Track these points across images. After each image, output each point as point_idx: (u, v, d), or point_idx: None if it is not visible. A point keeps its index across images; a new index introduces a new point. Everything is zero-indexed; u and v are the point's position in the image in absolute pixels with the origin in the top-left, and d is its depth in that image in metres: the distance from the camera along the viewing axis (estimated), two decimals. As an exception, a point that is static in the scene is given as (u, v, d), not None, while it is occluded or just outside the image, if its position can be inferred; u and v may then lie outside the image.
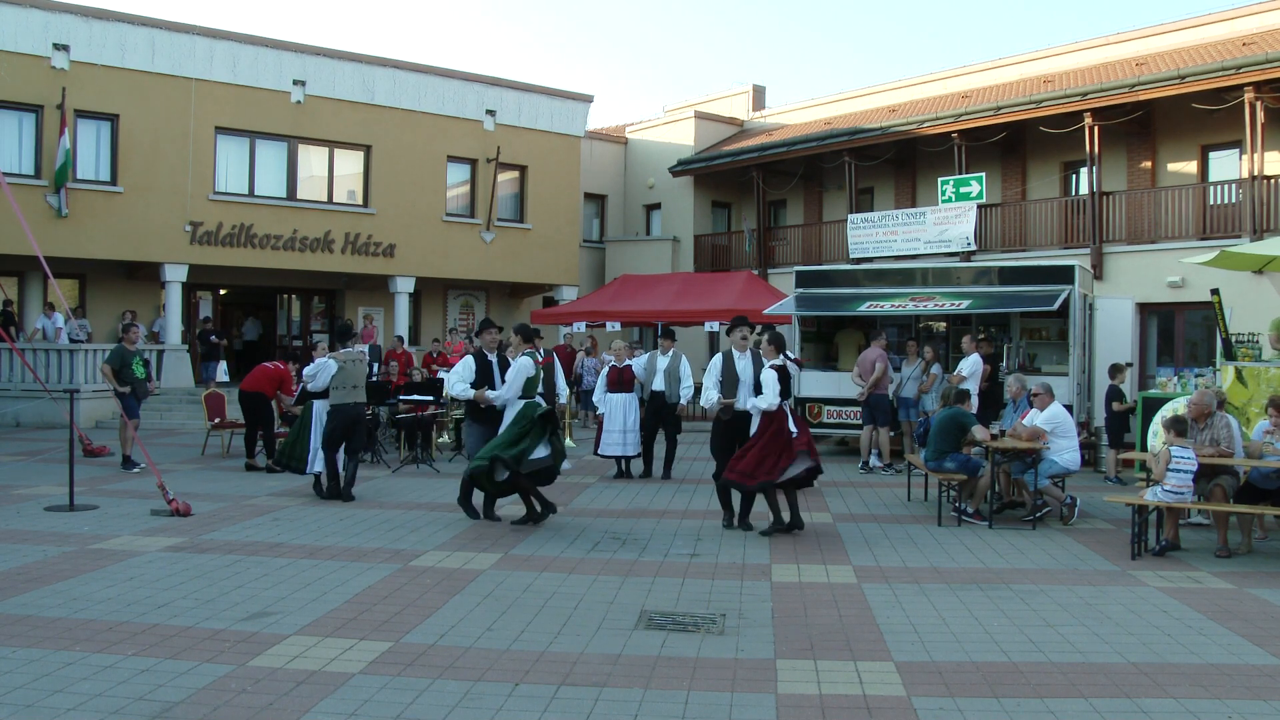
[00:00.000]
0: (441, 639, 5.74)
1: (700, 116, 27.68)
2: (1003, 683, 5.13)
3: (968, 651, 5.65)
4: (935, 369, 13.77)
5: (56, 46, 18.73)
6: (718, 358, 9.60)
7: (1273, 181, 16.83)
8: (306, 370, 11.21)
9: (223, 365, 21.17)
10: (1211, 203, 17.86)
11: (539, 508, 9.26)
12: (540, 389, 9.40)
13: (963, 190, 20.42)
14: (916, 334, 15.76)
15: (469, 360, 9.94)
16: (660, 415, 12.71)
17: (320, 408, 10.90)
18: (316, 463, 10.82)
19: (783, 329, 12.75)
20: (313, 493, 10.81)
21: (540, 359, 9.43)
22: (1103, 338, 14.84)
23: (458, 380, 9.80)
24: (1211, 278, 13.26)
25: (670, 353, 12.82)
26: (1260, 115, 16.67)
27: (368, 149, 22.34)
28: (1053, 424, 9.85)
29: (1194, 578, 7.56)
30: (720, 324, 20.34)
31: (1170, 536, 8.47)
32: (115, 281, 21.15)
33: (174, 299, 20.25)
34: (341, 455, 10.68)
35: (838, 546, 8.54)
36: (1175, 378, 12.15)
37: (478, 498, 9.52)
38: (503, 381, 9.56)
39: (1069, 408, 11.49)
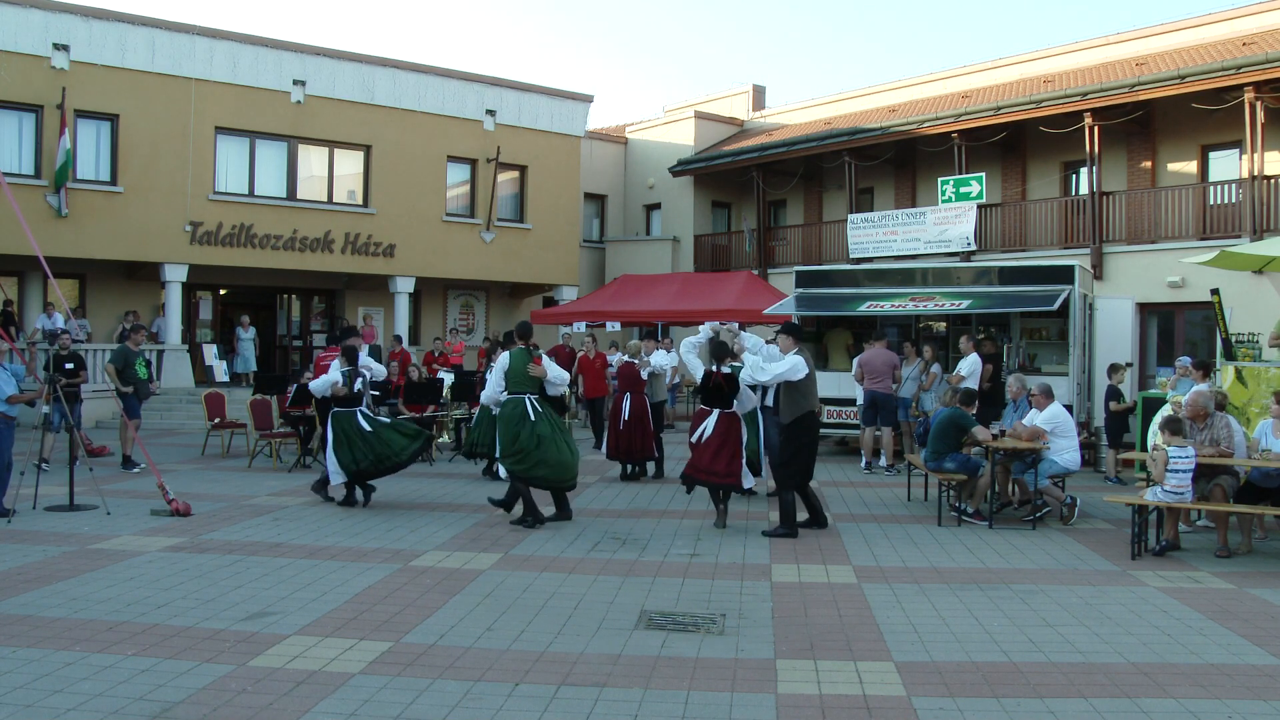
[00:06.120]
0: (441, 639, 5.74)
1: (700, 116, 27.66)
2: (1003, 683, 5.13)
3: (968, 651, 5.65)
4: (935, 368, 13.75)
5: (56, 46, 18.71)
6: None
7: (1273, 181, 16.82)
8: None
9: (223, 365, 21.16)
10: (1211, 203, 17.85)
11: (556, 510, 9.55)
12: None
13: (963, 190, 20.40)
14: (916, 334, 15.76)
15: None
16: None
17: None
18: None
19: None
20: (315, 494, 10.59)
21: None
22: (1103, 338, 14.83)
23: None
24: (1211, 278, 13.26)
25: (655, 354, 13.13)
26: (1260, 115, 16.66)
27: (368, 149, 22.32)
28: (1053, 424, 9.85)
29: (1194, 578, 7.56)
30: (721, 323, 20.29)
31: (1170, 536, 8.47)
32: (115, 281, 21.13)
33: (174, 299, 20.22)
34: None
35: (838, 546, 8.54)
36: (1174, 377, 12.16)
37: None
38: None
39: (1069, 408, 11.49)
